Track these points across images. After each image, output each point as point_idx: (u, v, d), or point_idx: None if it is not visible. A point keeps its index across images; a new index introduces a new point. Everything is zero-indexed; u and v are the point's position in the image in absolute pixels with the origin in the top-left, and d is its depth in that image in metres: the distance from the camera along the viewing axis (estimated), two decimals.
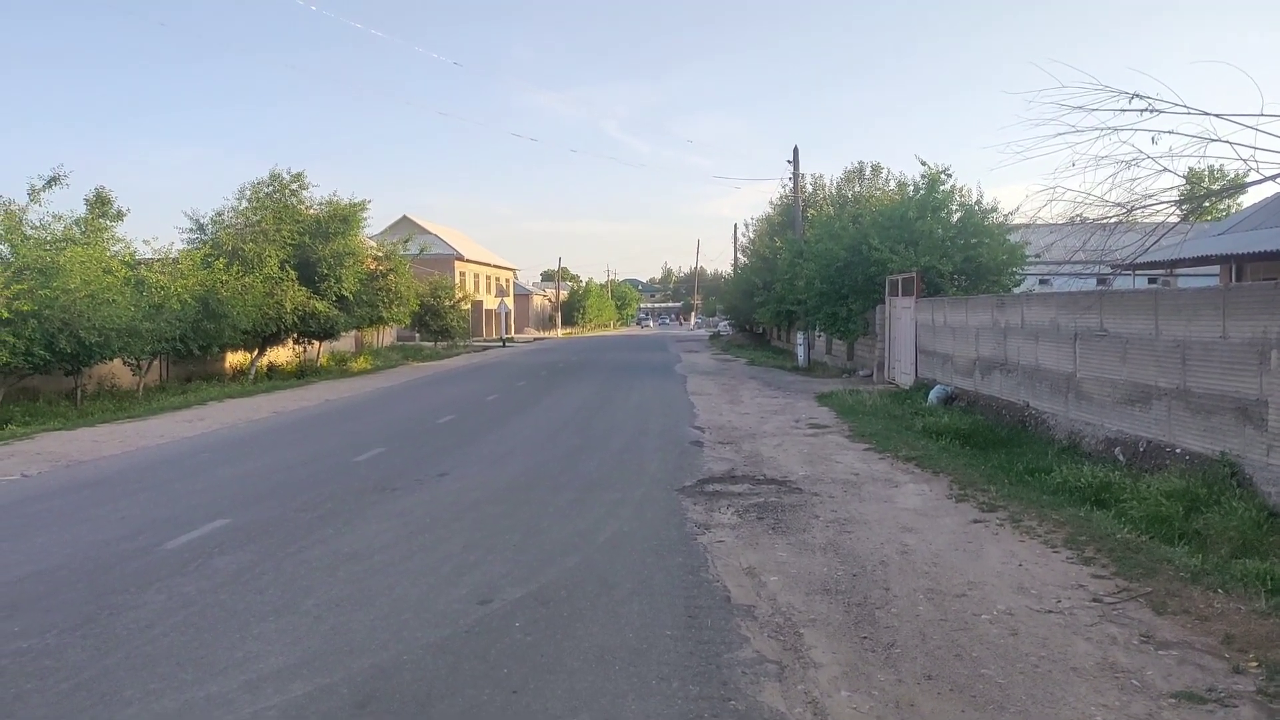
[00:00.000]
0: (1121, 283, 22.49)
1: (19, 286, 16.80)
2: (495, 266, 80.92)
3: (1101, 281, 20.33)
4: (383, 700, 4.44)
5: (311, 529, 8.09)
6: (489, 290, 75.89)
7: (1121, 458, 10.51)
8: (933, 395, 17.27)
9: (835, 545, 7.32)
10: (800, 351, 31.52)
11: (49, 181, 18.81)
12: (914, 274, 20.71)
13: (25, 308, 16.52)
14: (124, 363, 21.00)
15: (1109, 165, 8.72)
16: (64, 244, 18.78)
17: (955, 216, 22.85)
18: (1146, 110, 8.29)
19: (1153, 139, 8.41)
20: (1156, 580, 6.18)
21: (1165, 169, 8.50)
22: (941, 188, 22.99)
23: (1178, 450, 9.56)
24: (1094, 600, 5.86)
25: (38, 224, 18.92)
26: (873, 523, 8.10)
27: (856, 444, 12.88)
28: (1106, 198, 9.09)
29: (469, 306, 52.07)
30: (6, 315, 16.29)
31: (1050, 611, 5.66)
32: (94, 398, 20.15)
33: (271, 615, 5.70)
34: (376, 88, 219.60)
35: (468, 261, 70.99)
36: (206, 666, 4.88)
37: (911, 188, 24.88)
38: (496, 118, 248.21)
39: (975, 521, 8.10)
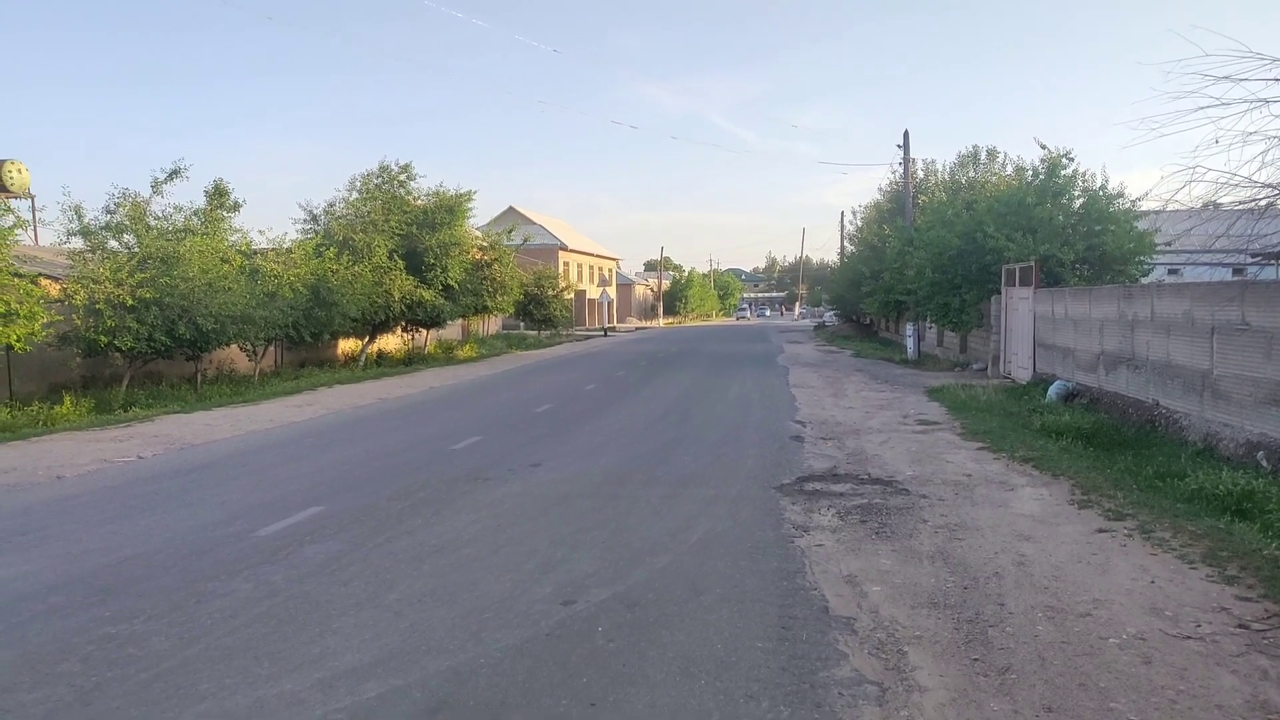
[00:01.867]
0: (1265, 274, 20.87)
1: (142, 275, 17.53)
2: (598, 256, 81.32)
3: (1238, 272, 18.89)
4: (455, 707, 4.24)
5: (402, 518, 8.03)
6: (591, 280, 76.30)
7: (1265, 464, 9.60)
8: (1052, 391, 16.32)
9: (944, 553, 6.82)
10: (909, 343, 30.48)
11: (170, 174, 19.54)
12: (1032, 263, 19.64)
13: (148, 295, 17.23)
14: (240, 348, 21.74)
15: (1259, 141, 7.91)
16: (184, 234, 19.51)
17: (1077, 202, 21.59)
18: None
19: None
20: None
21: None
22: (1063, 172, 21.75)
23: None
24: (1240, 626, 5.24)
25: (160, 215, 19.69)
26: (986, 529, 7.54)
27: (969, 442, 12.20)
28: (1255, 178, 8.26)
29: (571, 296, 52.33)
30: (131, 303, 17.01)
31: (1189, 637, 5.08)
32: (213, 382, 20.93)
33: (353, 609, 5.60)
34: (479, 78, 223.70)
35: (571, 251, 71.52)
36: (283, 661, 4.78)
37: (1030, 172, 23.63)
38: (598, 107, 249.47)
39: (1100, 531, 7.46)
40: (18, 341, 14.86)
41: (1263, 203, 8.14)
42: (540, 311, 45.51)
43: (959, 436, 12.74)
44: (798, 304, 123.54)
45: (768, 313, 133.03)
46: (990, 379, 21.20)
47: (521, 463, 10.84)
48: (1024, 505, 8.44)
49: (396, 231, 27.65)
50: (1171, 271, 28.34)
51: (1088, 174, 22.21)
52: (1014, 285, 20.83)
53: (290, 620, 5.42)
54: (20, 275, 15.31)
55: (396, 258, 27.08)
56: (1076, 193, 21.75)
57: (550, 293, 45.88)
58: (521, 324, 49.68)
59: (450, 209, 29.62)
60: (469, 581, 6.17)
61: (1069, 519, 7.89)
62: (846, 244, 54.07)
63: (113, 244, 18.74)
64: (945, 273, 23.36)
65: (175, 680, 4.55)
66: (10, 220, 15.64)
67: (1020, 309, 20.34)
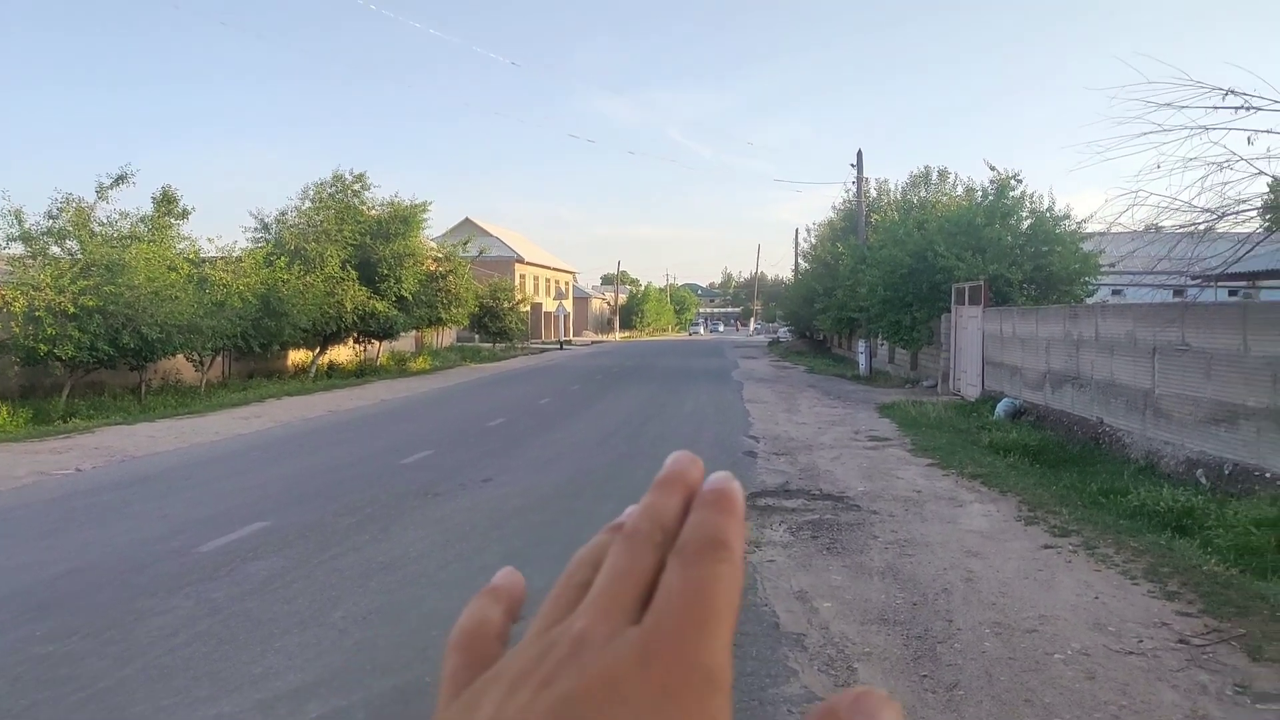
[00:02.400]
0: (1204, 296, 21.47)
1: (85, 283, 17.10)
2: (555, 269, 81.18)
3: (1179, 294, 19.41)
4: None
5: (349, 534, 7.89)
6: (548, 293, 76.13)
7: (1205, 481, 9.85)
8: (1000, 409, 16.59)
9: (894, 569, 6.87)
10: (861, 360, 30.81)
11: (116, 179, 19.13)
12: (981, 282, 20.00)
13: (91, 303, 16.80)
14: (187, 358, 21.28)
15: (1198, 167, 8.14)
16: (130, 241, 19.10)
17: (1025, 223, 22.06)
18: (1242, 108, 7.72)
19: (1249, 139, 7.83)
20: (1250, 620, 5.63)
21: (1261, 172, 7.91)
22: (1011, 193, 22.22)
23: (1267, 475, 8.90)
24: (1180, 641, 5.34)
25: (105, 221, 19.26)
26: (935, 545, 7.62)
27: (919, 459, 12.34)
28: (1195, 202, 8.50)
29: (528, 309, 52.16)
30: (73, 310, 16.58)
31: (1131, 653, 5.17)
32: (158, 392, 20.45)
33: (296, 627, 5.48)
34: (436, 88, 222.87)
35: (527, 264, 71.30)
36: (223, 681, 4.66)
37: (980, 193, 24.12)
38: (555, 120, 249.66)
39: (1046, 547, 7.57)
40: None
41: (1202, 227, 8.38)
42: (495, 324, 45.27)
43: (909, 453, 12.88)
44: (753, 320, 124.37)
45: (721, 328, 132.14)
46: (940, 396, 21.49)
47: (473, 477, 10.74)
48: (972, 521, 8.54)
49: (350, 241, 27.34)
50: (1115, 292, 29.01)
51: (1036, 196, 22.83)
52: (963, 304, 21.18)
53: (231, 639, 5.28)
54: None
55: (349, 268, 26.77)
56: (1025, 214, 22.23)
57: (506, 305, 45.68)
58: (476, 336, 49.38)
59: (405, 219, 29.38)
60: (416, 598, 6.08)
61: (1016, 535, 8.01)
62: (801, 261, 54.60)
63: (55, 250, 18.27)
64: (897, 290, 23.68)
65: (110, 701, 4.41)
66: None
67: (969, 327, 20.68)
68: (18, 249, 17.92)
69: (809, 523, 8.41)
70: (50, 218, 18.31)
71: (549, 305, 71.03)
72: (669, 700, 0.32)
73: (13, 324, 16.39)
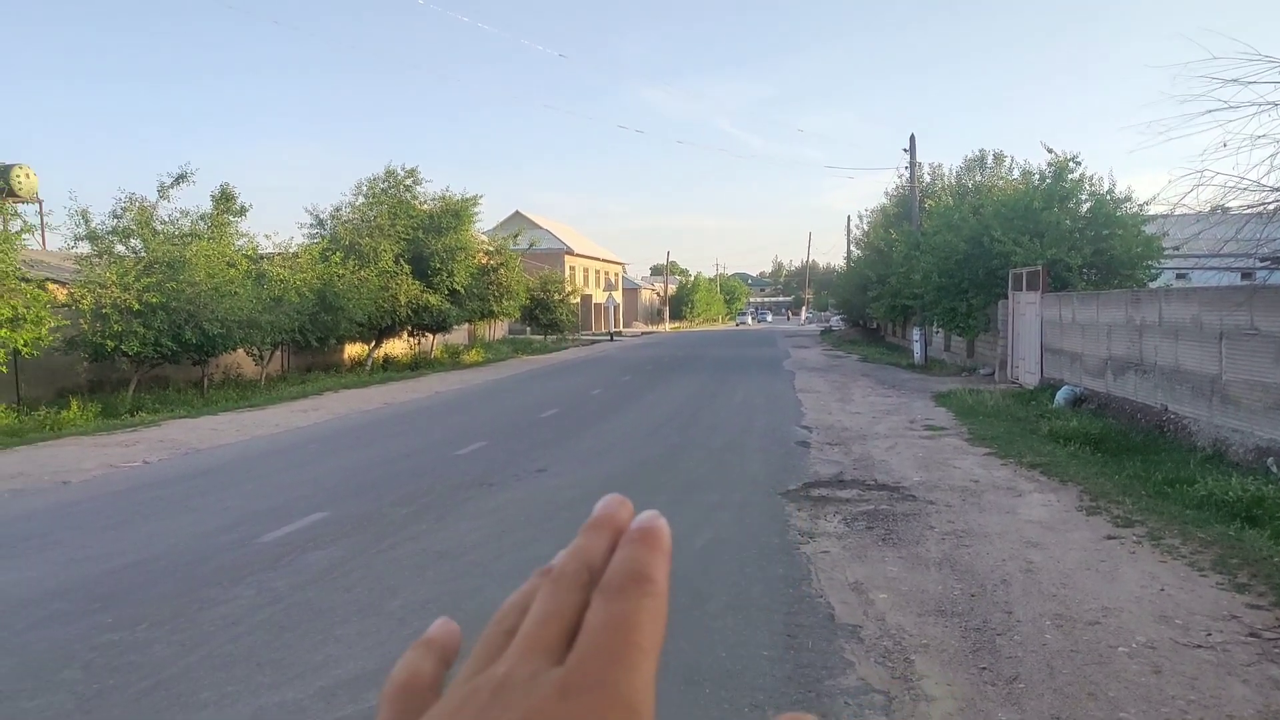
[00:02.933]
0: (1275, 279, 20.76)
1: (149, 280, 17.57)
2: (604, 261, 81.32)
3: (1247, 276, 18.79)
4: None
5: (406, 524, 8.00)
6: (598, 284, 76.31)
7: (1275, 470, 9.52)
8: (1060, 396, 16.23)
9: (952, 560, 6.77)
10: (916, 348, 30.37)
11: (177, 179, 19.60)
12: (1040, 267, 19.56)
13: (154, 300, 17.26)
14: (246, 353, 21.76)
15: (1268, 144, 7.86)
16: (190, 238, 19.55)
17: (1085, 207, 21.50)
18: None
19: None
20: None
21: None
22: (1070, 176, 21.66)
23: None
24: (1251, 635, 5.18)
25: (166, 219, 19.75)
26: (994, 536, 7.48)
27: (976, 448, 12.13)
28: (1263, 182, 8.22)
29: (578, 300, 52.38)
30: (138, 307, 17.05)
31: (1199, 646, 5.02)
32: (220, 386, 20.96)
33: (355, 616, 5.57)
34: (485, 82, 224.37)
35: (577, 256, 71.52)
36: (285, 669, 4.75)
37: (1037, 176, 23.54)
38: (604, 111, 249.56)
39: (1109, 538, 7.39)
40: (25, 346, 14.89)
41: (1271, 206, 8.09)
42: (546, 316, 45.51)
43: (966, 442, 12.67)
44: (804, 309, 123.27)
45: (770, 317, 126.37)
46: (998, 384, 21.11)
47: (527, 468, 10.81)
48: (1032, 511, 8.37)
49: (403, 236, 27.71)
50: (1180, 276, 28.18)
51: (1095, 178, 22.14)
52: (1021, 290, 20.74)
53: (292, 627, 5.39)
54: (27, 280, 15.34)
55: (403, 262, 27.13)
56: (1084, 197, 21.66)
57: (556, 297, 45.89)
58: (528, 329, 49.70)
59: (456, 213, 29.67)
60: (472, 588, 6.14)
61: (1077, 525, 7.83)
62: (853, 248, 54.00)
63: (119, 248, 18.81)
64: (952, 277, 23.27)
65: (176, 688, 4.53)
66: (18, 225, 15.70)
67: (1027, 314, 20.25)
68: (85, 248, 18.46)
69: (864, 513, 8.31)
70: (115, 217, 18.86)
71: (599, 297, 71.21)
72: None
73: (81, 321, 16.90)
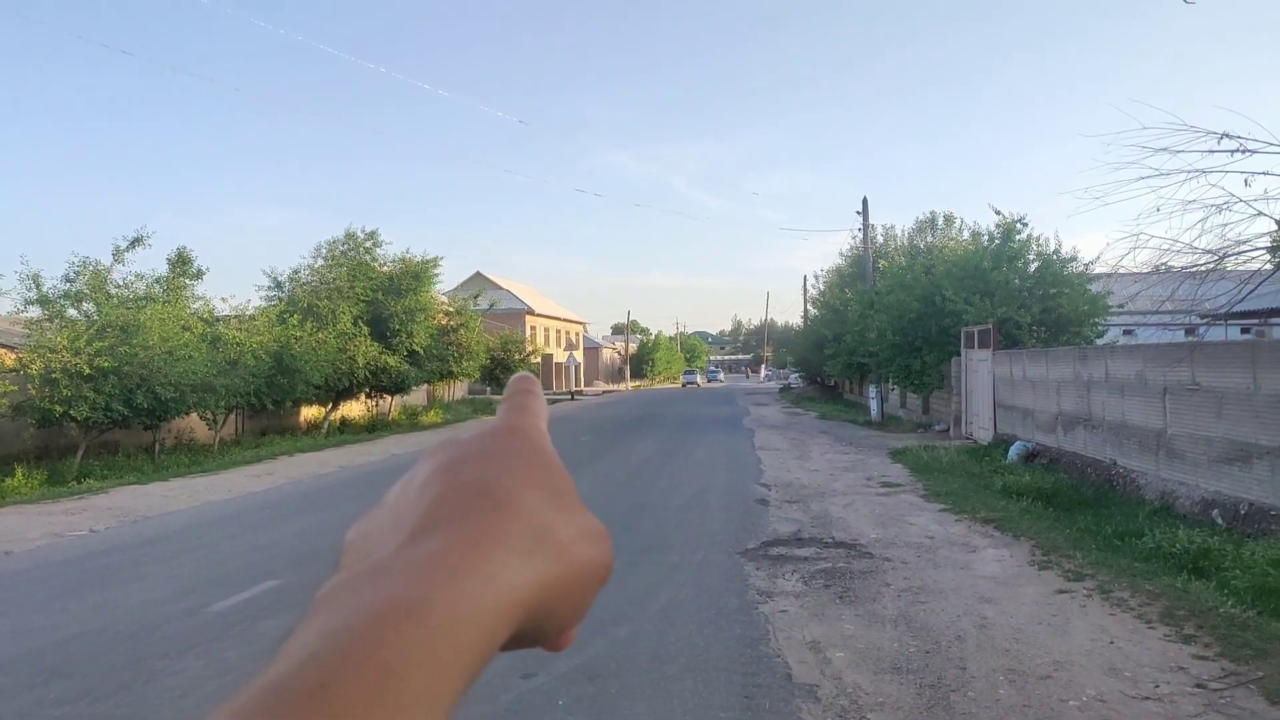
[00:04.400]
0: (1213, 334, 21.43)
1: (101, 344, 17.32)
2: (565, 320, 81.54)
3: (1190, 333, 19.38)
4: None
5: None
6: (559, 343, 76.39)
7: (1220, 521, 9.76)
8: (1012, 452, 16.51)
9: (907, 617, 6.82)
10: (873, 405, 30.72)
11: (132, 242, 19.48)
12: (990, 325, 20.03)
13: (106, 364, 16.99)
14: (200, 417, 21.43)
15: (1198, 210, 8.21)
16: (144, 302, 19.37)
17: (1032, 266, 22.14)
18: (1238, 151, 7.80)
19: (1245, 181, 7.90)
20: (1268, 663, 5.56)
21: (1260, 213, 7.97)
22: (1017, 237, 22.35)
23: None
24: (1197, 686, 5.28)
25: (120, 283, 19.55)
26: (948, 592, 7.57)
27: (931, 504, 12.27)
28: (1196, 244, 8.56)
29: (539, 360, 52.36)
30: (88, 371, 16.77)
31: (1147, 698, 5.11)
32: (171, 451, 20.58)
33: None
34: (446, 147, 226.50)
35: (538, 315, 71.70)
36: None
37: (986, 237, 24.25)
38: (564, 175, 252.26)
39: (1060, 592, 7.51)
40: None
41: (1204, 268, 8.43)
42: (506, 376, 45.41)
43: (922, 498, 12.82)
44: (763, 366, 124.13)
45: (721, 376, 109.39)
46: (952, 440, 21.41)
47: None
48: (986, 567, 8.48)
49: (362, 298, 27.66)
50: (1126, 332, 28.95)
51: (1042, 239, 22.85)
52: (973, 347, 21.19)
53: None
54: None
55: (361, 324, 27.03)
56: (1031, 257, 22.31)
57: (517, 357, 45.92)
58: (488, 389, 49.54)
59: (416, 275, 29.73)
60: None
61: (1030, 580, 7.94)
62: (809, 307, 54.80)
63: (71, 312, 18.55)
64: (906, 335, 23.72)
65: None
66: None
67: (980, 370, 20.66)
68: (35, 312, 18.19)
69: (822, 571, 8.36)
70: (67, 280, 18.63)
71: (560, 356, 71.18)
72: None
73: (30, 386, 16.58)
